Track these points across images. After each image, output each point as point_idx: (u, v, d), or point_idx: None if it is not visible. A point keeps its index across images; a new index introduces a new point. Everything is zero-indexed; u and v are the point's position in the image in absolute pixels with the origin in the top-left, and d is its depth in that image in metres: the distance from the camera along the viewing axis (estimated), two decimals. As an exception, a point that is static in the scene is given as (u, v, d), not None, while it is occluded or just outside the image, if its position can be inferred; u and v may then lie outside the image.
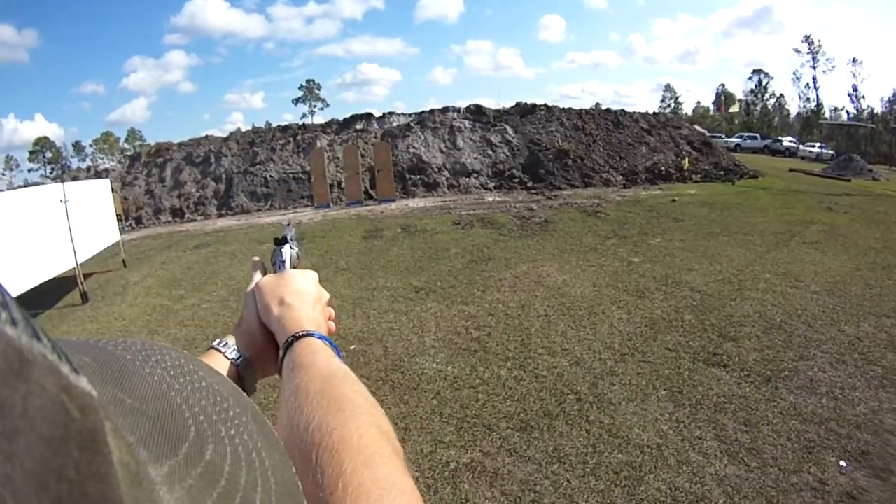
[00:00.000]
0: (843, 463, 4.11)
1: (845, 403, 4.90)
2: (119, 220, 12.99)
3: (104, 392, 0.32)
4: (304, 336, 0.79)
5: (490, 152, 21.41)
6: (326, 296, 0.94)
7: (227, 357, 0.79)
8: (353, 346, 6.35)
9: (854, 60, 64.13)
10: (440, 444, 4.40)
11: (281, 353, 0.78)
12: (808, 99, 67.83)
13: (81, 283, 9.05)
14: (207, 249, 12.78)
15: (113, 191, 12.72)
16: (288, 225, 1.12)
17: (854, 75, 64.75)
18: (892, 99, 62.01)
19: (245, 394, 0.46)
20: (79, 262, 8.98)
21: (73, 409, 0.20)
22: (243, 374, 0.79)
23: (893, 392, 5.10)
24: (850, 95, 65.12)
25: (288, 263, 0.97)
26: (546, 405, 4.94)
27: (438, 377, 5.52)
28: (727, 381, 5.31)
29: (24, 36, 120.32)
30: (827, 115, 65.42)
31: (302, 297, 0.86)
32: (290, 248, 1.02)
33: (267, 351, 0.84)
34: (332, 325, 0.92)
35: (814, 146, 41.92)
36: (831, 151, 40.44)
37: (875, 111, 62.92)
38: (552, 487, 3.87)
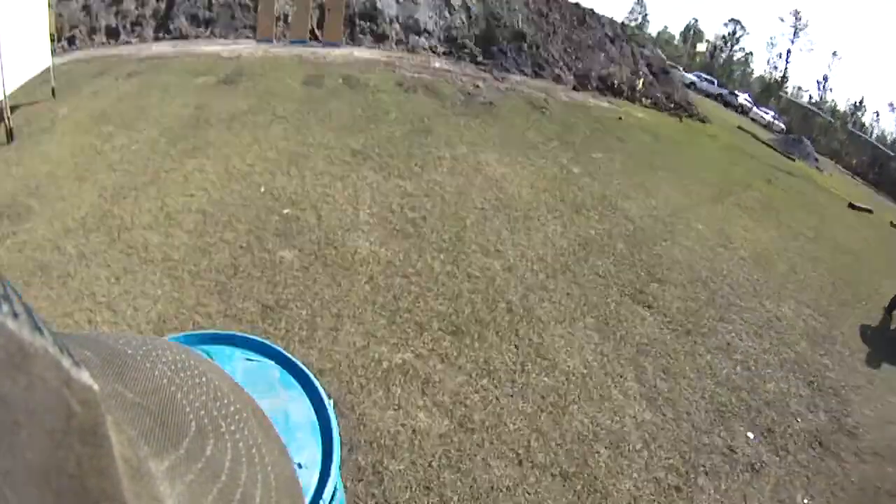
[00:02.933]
0: (750, 434, 4.41)
1: (758, 377, 5.23)
2: (51, 40, 11.60)
3: (105, 386, 0.31)
4: None
5: (447, 14, 20.49)
6: None
7: None
8: (286, 210, 6.21)
9: (835, 53, 66.56)
10: (373, 338, 4.43)
11: None
12: (775, 67, 69.35)
13: (8, 119, 8.07)
14: (140, 79, 11.91)
15: (49, 6, 11.28)
16: None
17: (829, 67, 67.19)
18: (857, 105, 65.01)
19: (245, 390, 0.46)
20: (6, 94, 7.94)
21: (75, 403, 0.20)
22: None
23: (802, 379, 5.51)
24: (818, 83, 67.42)
25: None
26: (478, 310, 5.02)
27: (372, 259, 5.52)
28: (651, 324, 5.53)
29: None
30: (789, 90, 67.42)
31: None
32: None
33: None
34: None
35: (768, 112, 42.84)
36: (783, 125, 41.77)
37: (837, 107, 65.44)
38: (482, 404, 3.98)
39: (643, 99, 21.56)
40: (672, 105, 22.45)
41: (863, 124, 62.51)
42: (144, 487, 0.24)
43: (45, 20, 10.61)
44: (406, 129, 9.80)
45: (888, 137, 59.88)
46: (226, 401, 0.40)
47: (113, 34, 18.02)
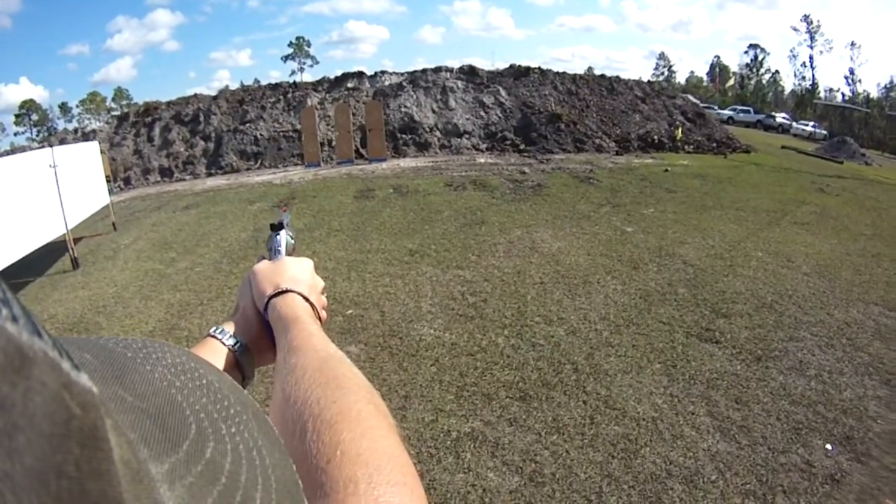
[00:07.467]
0: (828, 446, 4.25)
1: (833, 388, 5.04)
2: (108, 181, 12.60)
3: (105, 389, 0.32)
4: (287, 292, 0.84)
5: (482, 114, 21.22)
6: (321, 284, 0.95)
7: (224, 344, 0.81)
8: (349, 311, 6.31)
9: (853, 44, 64.52)
10: (441, 412, 4.46)
11: (262, 307, 0.84)
12: (803, 78, 67.99)
13: (72, 249, 8.90)
14: (197, 210, 12.60)
15: (101, 152, 12.39)
16: (284, 211, 1.13)
17: (852, 59, 65.05)
18: (888, 85, 62.43)
19: (245, 391, 0.46)
20: (69, 228, 8.80)
21: (74, 406, 0.20)
22: (241, 361, 0.81)
23: (878, 380, 5.26)
24: (846, 78, 65.57)
25: (283, 250, 0.99)
26: (544, 375, 5.02)
27: (437, 343, 5.55)
28: (719, 358, 5.43)
29: (7, 1, 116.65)
30: (822, 95, 65.51)
31: (297, 284, 0.88)
32: (287, 234, 1.03)
33: (264, 337, 0.85)
34: (325, 313, 0.92)
35: (807, 125, 41.89)
36: (824, 132, 40.42)
37: (871, 96, 62.85)
38: (552, 458, 3.96)
39: (685, 146, 21.49)
40: (714, 144, 22.28)
41: (899, 103, 59.55)
42: (144, 490, 0.23)
43: (100, 164, 11.51)
44: (459, 223, 10.06)
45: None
46: (226, 402, 0.40)
47: (166, 173, 19.12)
